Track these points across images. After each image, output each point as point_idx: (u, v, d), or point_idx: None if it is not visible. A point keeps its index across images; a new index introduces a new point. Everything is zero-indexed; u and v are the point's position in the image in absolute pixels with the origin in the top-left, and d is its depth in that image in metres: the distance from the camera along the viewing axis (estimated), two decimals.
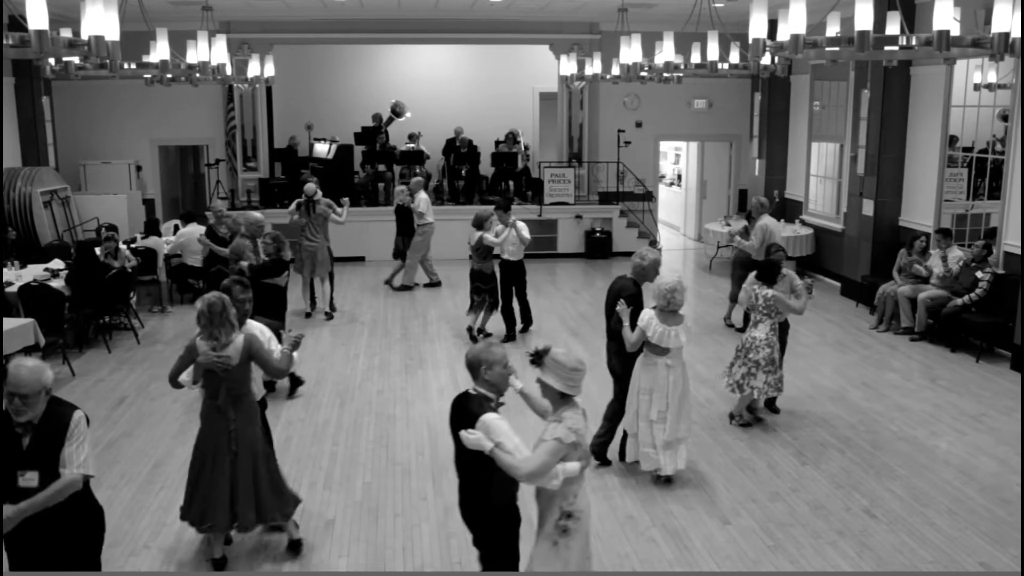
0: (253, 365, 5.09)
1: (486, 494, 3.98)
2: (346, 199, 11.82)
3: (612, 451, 6.75)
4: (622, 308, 6.19)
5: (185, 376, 5.04)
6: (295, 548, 5.40)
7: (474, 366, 4.06)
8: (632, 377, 6.32)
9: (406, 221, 12.56)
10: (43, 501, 3.71)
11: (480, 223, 9.69)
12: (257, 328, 5.43)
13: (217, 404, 4.99)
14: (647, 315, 6.12)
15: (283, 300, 8.37)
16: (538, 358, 3.99)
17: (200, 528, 5.17)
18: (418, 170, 15.52)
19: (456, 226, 13.54)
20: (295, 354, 5.17)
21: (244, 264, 8.26)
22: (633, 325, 6.17)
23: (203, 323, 4.92)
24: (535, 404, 4.38)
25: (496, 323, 10.10)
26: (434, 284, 12.97)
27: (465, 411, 3.97)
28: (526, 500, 4.14)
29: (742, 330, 10.68)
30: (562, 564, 3.88)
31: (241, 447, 5.04)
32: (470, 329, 10.03)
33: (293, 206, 11.35)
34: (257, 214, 8.12)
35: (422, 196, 12.53)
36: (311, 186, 11.29)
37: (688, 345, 6.40)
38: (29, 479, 3.72)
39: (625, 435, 6.55)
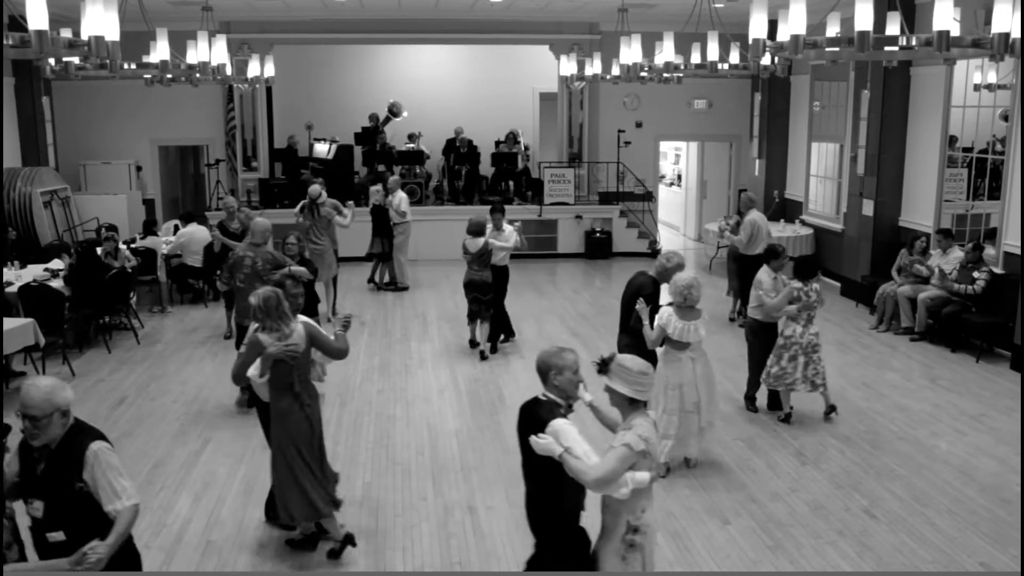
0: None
1: (557, 502, 3.90)
2: (350, 202, 11.78)
3: None
4: (641, 307, 6.30)
5: (253, 371, 5.08)
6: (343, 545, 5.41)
7: (543, 370, 3.99)
8: (658, 375, 6.32)
9: (383, 221, 12.45)
10: (116, 543, 3.42)
11: (481, 229, 9.27)
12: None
13: (295, 391, 5.11)
14: (665, 313, 6.24)
15: (314, 296, 8.45)
16: (604, 366, 3.93)
17: (286, 518, 5.24)
18: (418, 170, 15.53)
19: (457, 226, 13.48)
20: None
21: (292, 269, 7.72)
22: (651, 322, 6.26)
23: (259, 317, 5.04)
24: (604, 416, 4.31)
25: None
26: (402, 288, 12.79)
27: (535, 417, 3.90)
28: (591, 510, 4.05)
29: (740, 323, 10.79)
30: None
31: (318, 426, 5.24)
32: (474, 343, 9.67)
33: (297, 208, 11.33)
34: (265, 221, 8.04)
35: (402, 195, 12.52)
36: (316, 188, 11.20)
37: (708, 337, 6.50)
38: (35, 509, 3.50)
39: None
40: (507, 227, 9.52)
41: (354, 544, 5.36)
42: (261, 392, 5.28)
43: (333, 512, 5.32)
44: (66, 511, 3.51)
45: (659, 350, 6.43)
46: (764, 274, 7.55)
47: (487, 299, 9.35)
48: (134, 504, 3.55)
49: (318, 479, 5.22)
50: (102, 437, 3.63)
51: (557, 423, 3.81)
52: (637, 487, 3.72)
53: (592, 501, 3.96)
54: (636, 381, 3.85)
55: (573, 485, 3.75)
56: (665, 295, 6.52)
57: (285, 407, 5.14)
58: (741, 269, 10.62)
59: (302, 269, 8.96)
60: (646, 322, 6.28)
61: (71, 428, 3.54)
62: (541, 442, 3.72)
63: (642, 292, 6.45)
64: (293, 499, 5.15)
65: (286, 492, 5.18)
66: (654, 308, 6.37)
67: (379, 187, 12.66)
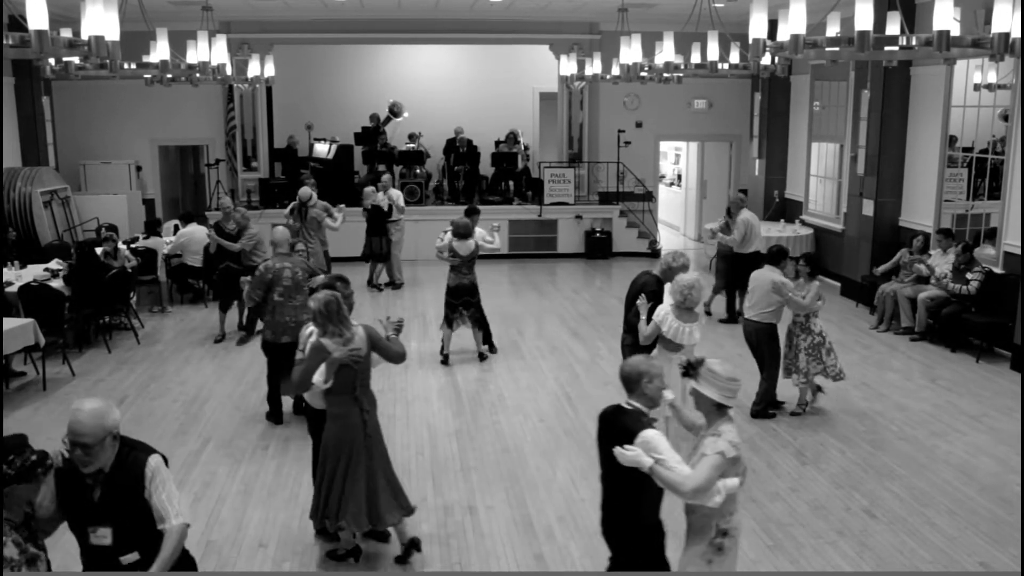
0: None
1: (636, 512, 3.85)
2: (342, 204, 11.71)
3: None
4: (642, 303, 6.30)
5: (318, 376, 4.93)
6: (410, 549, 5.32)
7: (634, 379, 3.93)
8: None
9: (379, 221, 12.40)
10: (167, 563, 3.35)
11: (469, 231, 9.08)
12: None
13: (355, 395, 5.01)
14: (663, 310, 6.20)
15: None
16: (692, 369, 3.89)
17: (332, 526, 5.13)
18: (418, 170, 15.53)
19: None
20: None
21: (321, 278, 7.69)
22: (649, 320, 6.26)
23: (320, 322, 4.92)
24: (684, 417, 4.25)
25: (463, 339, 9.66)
26: (398, 286, 12.82)
27: (620, 426, 3.83)
28: (667, 514, 4.06)
29: (725, 320, 10.78)
30: None
31: (376, 434, 5.14)
32: (446, 354, 9.35)
33: (287, 210, 11.36)
34: (285, 230, 7.71)
35: (397, 193, 12.56)
36: (305, 190, 11.21)
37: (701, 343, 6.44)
38: (101, 536, 3.37)
39: None
40: (479, 230, 9.33)
41: (356, 560, 5.29)
42: (315, 400, 5.17)
43: (362, 530, 5.16)
44: (138, 530, 3.41)
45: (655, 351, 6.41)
46: (778, 275, 7.48)
47: (475, 302, 9.18)
48: (185, 523, 3.46)
49: (369, 490, 5.05)
50: (154, 450, 3.52)
51: (648, 434, 3.75)
52: (729, 493, 3.72)
53: (671, 504, 3.93)
54: (725, 387, 3.80)
55: (652, 494, 3.74)
56: (667, 296, 6.50)
57: (343, 412, 5.01)
58: (732, 269, 10.62)
59: (235, 245, 9.75)
60: (643, 317, 6.25)
61: (120, 446, 3.42)
62: (629, 454, 3.67)
63: (645, 290, 6.46)
64: (331, 502, 5.03)
65: (329, 497, 5.04)
66: (655, 306, 6.36)
67: (373, 188, 12.59)
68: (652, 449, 3.68)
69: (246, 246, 10.21)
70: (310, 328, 5.25)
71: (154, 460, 3.44)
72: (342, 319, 4.94)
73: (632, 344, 6.56)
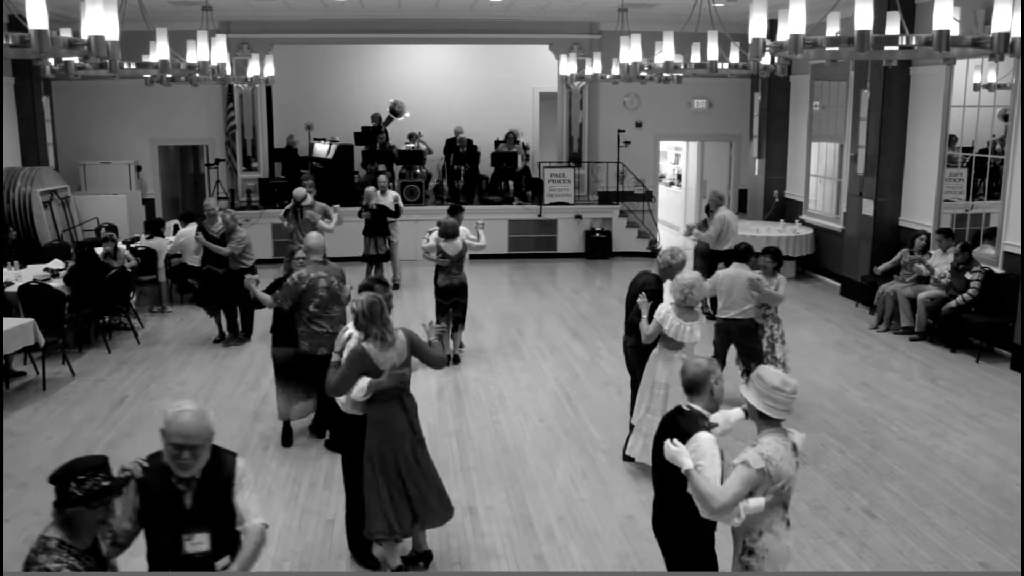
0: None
1: (683, 508, 3.77)
2: (337, 205, 11.57)
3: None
4: (642, 301, 6.29)
5: (357, 391, 4.76)
6: (423, 560, 5.24)
7: (701, 379, 3.90)
8: (646, 372, 6.38)
9: (381, 222, 12.25)
10: (249, 562, 3.30)
11: (457, 231, 9.07)
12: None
13: (401, 399, 4.89)
14: (664, 309, 6.20)
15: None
16: (749, 371, 3.89)
17: (387, 537, 4.96)
18: (418, 170, 15.53)
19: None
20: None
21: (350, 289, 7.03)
22: (650, 319, 6.26)
23: (362, 324, 4.77)
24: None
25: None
26: (396, 286, 12.61)
27: (678, 428, 3.81)
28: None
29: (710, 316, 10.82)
30: None
31: (418, 434, 5.02)
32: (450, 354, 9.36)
33: (282, 212, 11.23)
34: (319, 235, 7.14)
35: (395, 194, 12.56)
36: (300, 191, 11.07)
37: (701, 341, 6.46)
38: (198, 543, 3.27)
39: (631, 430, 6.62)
40: (463, 228, 9.31)
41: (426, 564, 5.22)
42: (348, 406, 4.98)
43: (397, 542, 5.05)
44: (230, 534, 3.37)
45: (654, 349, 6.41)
46: (751, 272, 7.61)
47: (464, 302, 9.20)
48: (264, 524, 3.42)
49: (406, 497, 4.91)
50: (234, 453, 3.51)
51: (702, 436, 3.71)
52: (751, 513, 3.59)
53: None
54: (767, 395, 3.63)
55: None
56: (667, 294, 6.49)
57: (387, 417, 4.86)
58: (710, 266, 10.65)
59: (224, 249, 9.56)
60: (644, 316, 6.25)
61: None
62: (673, 449, 3.64)
63: (645, 289, 6.46)
64: (373, 511, 4.88)
65: (370, 503, 4.91)
66: (655, 305, 6.36)
67: (373, 189, 12.49)
68: (698, 453, 3.64)
69: (235, 250, 9.74)
70: (349, 330, 5.08)
71: (241, 461, 3.44)
72: (385, 322, 4.80)
73: (634, 345, 6.59)
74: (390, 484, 4.88)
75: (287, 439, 7.09)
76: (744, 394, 3.75)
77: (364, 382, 4.74)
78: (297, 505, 6.02)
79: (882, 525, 5.76)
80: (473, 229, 9.43)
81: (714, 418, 3.95)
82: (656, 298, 6.42)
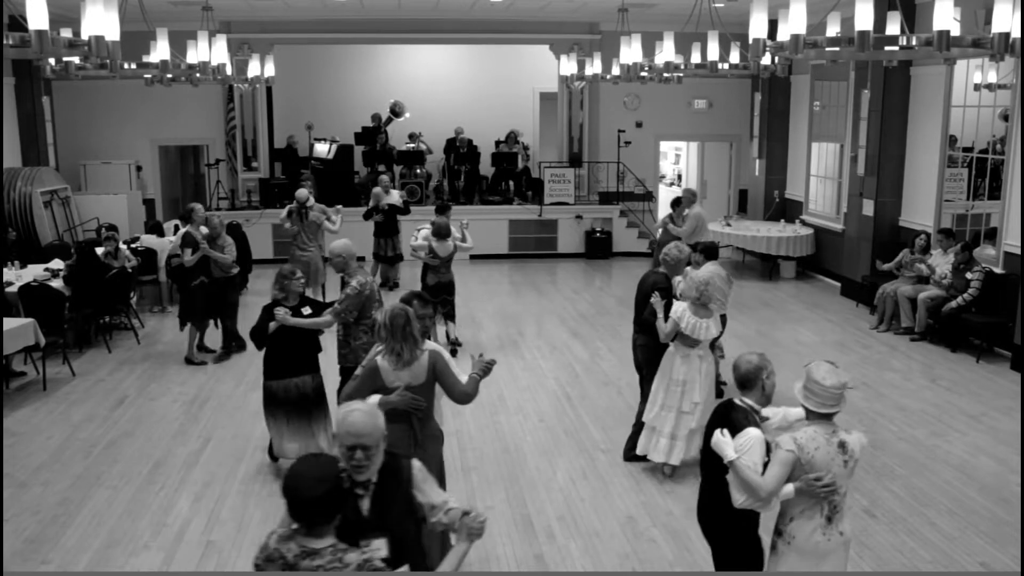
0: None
1: (727, 502, 3.86)
2: (338, 206, 11.40)
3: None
4: (656, 300, 6.32)
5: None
6: None
7: (753, 375, 3.94)
8: (662, 370, 6.42)
9: (393, 222, 12.14)
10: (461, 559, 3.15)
11: (449, 231, 9.18)
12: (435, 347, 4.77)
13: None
14: (680, 307, 6.25)
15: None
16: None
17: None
18: (418, 170, 15.53)
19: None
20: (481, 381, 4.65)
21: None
22: (665, 316, 6.30)
23: (383, 336, 4.48)
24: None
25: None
26: (395, 286, 12.60)
27: (728, 420, 3.88)
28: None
29: None
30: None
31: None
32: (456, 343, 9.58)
33: (284, 213, 10.89)
34: (345, 244, 6.73)
35: (399, 192, 12.53)
36: (303, 192, 10.78)
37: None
38: (376, 549, 3.02)
39: (637, 428, 6.65)
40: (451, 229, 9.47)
41: None
42: None
43: None
44: (408, 540, 3.25)
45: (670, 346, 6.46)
46: (722, 270, 7.69)
47: (452, 300, 9.40)
48: (462, 510, 3.27)
49: None
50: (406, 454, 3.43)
51: (752, 432, 3.79)
52: (783, 499, 3.76)
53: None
54: (808, 386, 3.81)
55: None
56: (677, 289, 6.61)
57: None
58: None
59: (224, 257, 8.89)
60: (660, 315, 6.30)
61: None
62: (721, 439, 3.76)
63: (657, 287, 6.49)
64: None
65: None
66: (668, 302, 6.42)
67: (380, 189, 12.43)
68: (744, 447, 3.74)
69: (231, 257, 9.33)
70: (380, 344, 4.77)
71: (417, 462, 3.34)
72: (407, 337, 4.44)
73: (645, 344, 6.66)
74: None
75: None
76: (797, 383, 3.88)
77: (373, 399, 4.44)
78: None
79: (882, 525, 5.76)
80: (458, 228, 9.46)
81: (772, 414, 4.05)
82: (667, 296, 6.47)
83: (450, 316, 9.50)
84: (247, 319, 8.07)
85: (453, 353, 9.18)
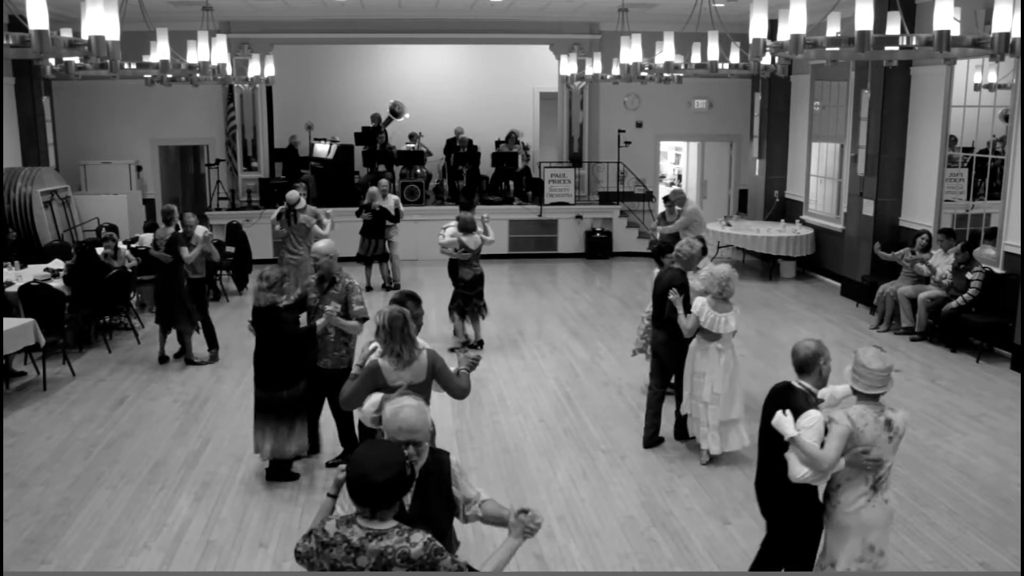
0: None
1: (785, 479, 4.05)
2: (328, 210, 11.27)
3: (666, 431, 7.12)
4: (674, 296, 6.48)
5: (368, 406, 4.51)
6: None
7: (811, 360, 4.20)
8: (687, 362, 6.67)
9: (380, 224, 12.30)
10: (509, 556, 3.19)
11: (475, 225, 9.41)
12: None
13: None
14: (700, 302, 6.44)
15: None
16: None
17: None
18: (418, 170, 15.53)
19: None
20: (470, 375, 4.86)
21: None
22: (685, 311, 6.47)
23: (382, 338, 4.57)
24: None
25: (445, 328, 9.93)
26: (396, 286, 12.58)
27: (788, 401, 4.10)
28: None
29: None
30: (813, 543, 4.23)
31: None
32: (469, 339, 9.73)
33: (274, 215, 10.79)
34: (329, 244, 6.80)
35: (396, 198, 12.64)
36: (294, 194, 10.62)
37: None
38: (413, 544, 3.01)
39: (680, 417, 6.96)
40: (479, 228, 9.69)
41: None
42: (369, 421, 4.72)
43: None
44: (448, 534, 3.39)
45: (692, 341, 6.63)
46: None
47: (478, 292, 9.61)
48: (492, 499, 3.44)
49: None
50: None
51: (813, 414, 4.02)
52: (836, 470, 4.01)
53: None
54: (856, 369, 4.08)
55: None
56: (693, 284, 6.74)
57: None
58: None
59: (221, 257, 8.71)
60: (680, 311, 6.46)
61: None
62: (783, 418, 3.99)
63: (674, 284, 6.61)
64: None
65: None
66: (687, 298, 6.54)
67: (375, 190, 12.46)
68: (808, 425, 3.97)
69: (207, 249, 9.30)
70: (373, 343, 4.87)
71: (455, 457, 3.47)
72: (405, 338, 4.58)
73: (665, 340, 6.81)
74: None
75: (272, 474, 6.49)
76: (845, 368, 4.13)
77: (376, 397, 4.57)
78: (297, 505, 6.02)
79: None
80: (480, 223, 9.63)
81: (820, 393, 4.28)
82: (686, 291, 6.59)
83: (480, 313, 9.61)
84: (244, 318, 8.15)
85: (481, 344, 9.50)
